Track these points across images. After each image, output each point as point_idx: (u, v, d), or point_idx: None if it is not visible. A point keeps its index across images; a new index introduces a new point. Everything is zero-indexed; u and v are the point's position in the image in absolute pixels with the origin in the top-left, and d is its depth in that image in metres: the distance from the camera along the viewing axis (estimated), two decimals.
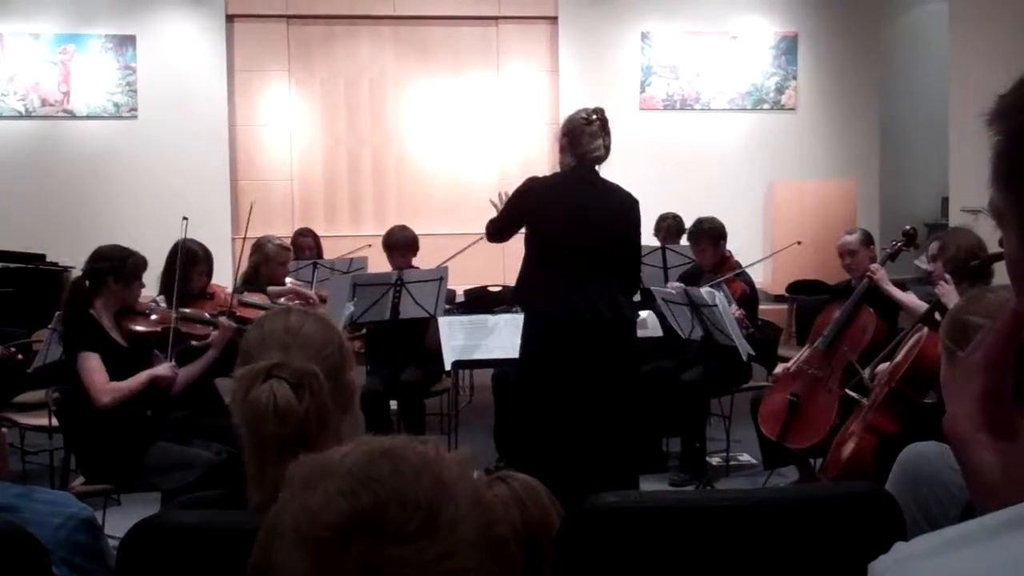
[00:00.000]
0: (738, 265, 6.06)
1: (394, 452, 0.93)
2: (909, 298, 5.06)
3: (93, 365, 4.25)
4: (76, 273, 4.97)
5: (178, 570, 1.69)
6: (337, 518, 0.86)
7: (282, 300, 5.52)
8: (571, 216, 4.14)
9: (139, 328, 4.51)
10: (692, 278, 6.07)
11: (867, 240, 5.43)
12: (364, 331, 6.10)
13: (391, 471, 0.90)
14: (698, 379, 5.62)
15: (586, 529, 1.62)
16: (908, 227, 5.30)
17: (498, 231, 4.50)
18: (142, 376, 4.35)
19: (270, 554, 0.89)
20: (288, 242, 6.23)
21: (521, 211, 4.32)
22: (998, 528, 0.71)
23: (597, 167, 4.26)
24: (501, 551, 0.92)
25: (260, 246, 6.01)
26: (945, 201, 10.22)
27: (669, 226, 7.10)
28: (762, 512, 1.65)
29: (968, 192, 8.49)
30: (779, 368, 5.29)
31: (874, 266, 5.13)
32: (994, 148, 0.80)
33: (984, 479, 0.83)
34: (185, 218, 4.90)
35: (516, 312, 5.00)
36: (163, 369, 4.41)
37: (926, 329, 4.14)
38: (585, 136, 4.19)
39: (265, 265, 5.90)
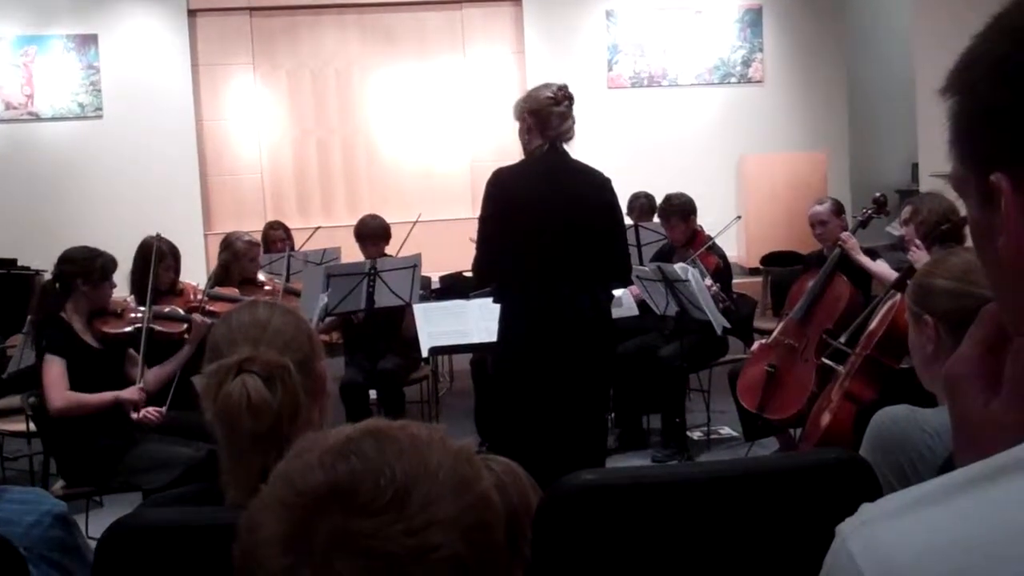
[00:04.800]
0: (709, 239, 6.08)
1: (384, 431, 0.95)
2: (880, 267, 5.08)
3: (54, 370, 4.22)
4: (48, 277, 4.94)
5: (156, 568, 1.69)
6: (311, 486, 0.90)
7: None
8: (544, 204, 3.98)
9: (111, 330, 4.48)
10: (665, 255, 6.08)
11: (838, 209, 5.46)
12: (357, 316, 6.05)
13: (373, 447, 0.92)
14: (675, 355, 5.64)
15: (564, 507, 1.62)
16: (878, 194, 5.32)
17: (481, 259, 4.09)
18: (107, 396, 4.30)
19: (254, 517, 0.92)
20: (257, 237, 6.16)
21: (495, 208, 4.03)
22: (965, 484, 0.71)
23: (566, 146, 4.13)
24: (480, 536, 0.93)
25: (229, 244, 5.96)
26: (915, 167, 10.28)
27: (642, 205, 7.09)
28: (736, 483, 1.66)
29: (937, 157, 8.53)
30: (757, 344, 5.31)
31: (844, 235, 5.16)
32: (948, 112, 0.80)
33: (971, 424, 0.84)
34: (157, 234, 4.94)
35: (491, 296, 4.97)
36: (130, 392, 4.37)
37: (899, 295, 4.16)
38: (554, 117, 3.99)
39: (235, 262, 5.85)
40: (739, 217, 8.05)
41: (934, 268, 1.96)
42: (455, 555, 0.89)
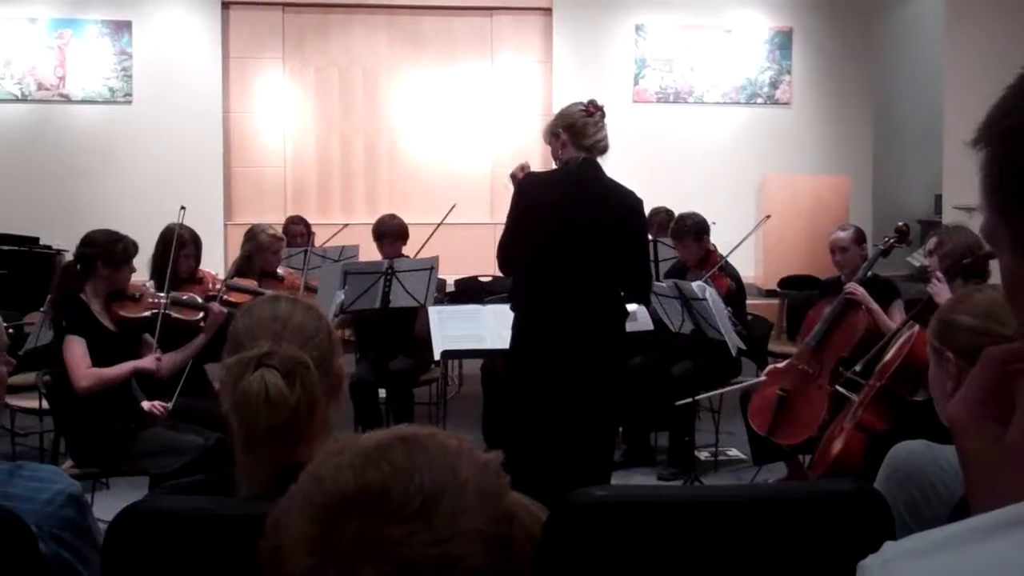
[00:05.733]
0: (722, 258, 6.04)
1: (416, 439, 0.96)
2: (882, 317, 5.03)
3: (77, 349, 4.24)
4: (69, 257, 4.97)
5: (165, 555, 1.69)
6: (341, 489, 0.91)
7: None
8: (569, 214, 4.00)
9: (128, 314, 4.50)
10: (678, 272, 6.06)
11: (859, 238, 5.44)
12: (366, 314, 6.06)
13: (404, 455, 0.93)
14: (687, 373, 5.62)
15: (572, 523, 1.62)
16: (901, 223, 5.30)
17: (505, 245, 4.15)
18: (126, 366, 4.34)
19: (283, 515, 0.93)
20: (280, 231, 6.19)
21: (521, 211, 4.08)
22: (988, 530, 0.71)
23: (600, 160, 4.12)
24: (503, 550, 0.93)
25: (253, 235, 5.99)
26: (938, 198, 10.24)
27: (661, 220, 7.08)
28: (750, 509, 1.66)
29: (961, 189, 8.50)
30: (770, 367, 5.29)
31: (852, 286, 5.08)
32: (980, 163, 0.80)
33: (979, 467, 0.84)
34: (183, 207, 4.93)
35: (506, 302, 4.96)
36: (147, 361, 4.41)
37: (917, 326, 4.14)
38: (590, 127, 4.02)
39: (258, 254, 5.88)
40: (768, 216, 8.06)
41: (958, 304, 1.95)
42: (478, 567, 0.89)
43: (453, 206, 7.55)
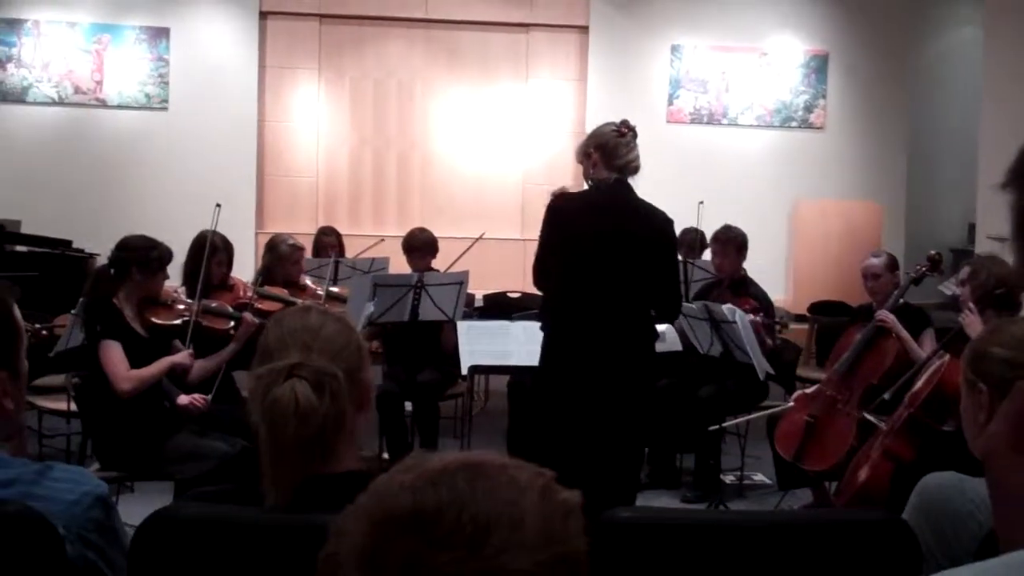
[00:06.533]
0: (752, 282, 5.97)
1: (483, 467, 0.95)
2: (913, 345, 4.99)
3: (114, 353, 4.27)
4: (101, 260, 5.00)
5: (191, 561, 1.70)
6: (396, 508, 0.91)
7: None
8: (600, 235, 4.00)
9: (160, 320, 4.52)
10: (706, 293, 6.02)
11: (892, 265, 5.40)
12: (388, 329, 6.07)
13: (465, 481, 0.92)
14: (715, 396, 5.60)
15: (596, 543, 1.61)
16: (933, 252, 5.26)
17: (539, 260, 4.19)
18: (163, 363, 4.37)
19: (344, 523, 0.94)
20: (301, 240, 6.15)
21: (552, 231, 4.10)
22: (1018, 567, 0.71)
23: (631, 180, 4.12)
24: None
25: (273, 246, 5.96)
26: (972, 227, 10.16)
27: (691, 240, 7.05)
28: (776, 534, 1.65)
29: (996, 219, 8.42)
30: (798, 392, 5.26)
31: (883, 313, 5.05)
32: (1010, 205, 0.80)
33: (1011, 501, 0.84)
34: (218, 204, 4.96)
35: (534, 319, 4.96)
36: (182, 356, 4.45)
37: (948, 356, 4.11)
38: (621, 147, 4.02)
39: (278, 265, 5.83)
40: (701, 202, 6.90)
41: (992, 336, 1.93)
42: None
43: (482, 234, 7.56)
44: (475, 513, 0.89)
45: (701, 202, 6.25)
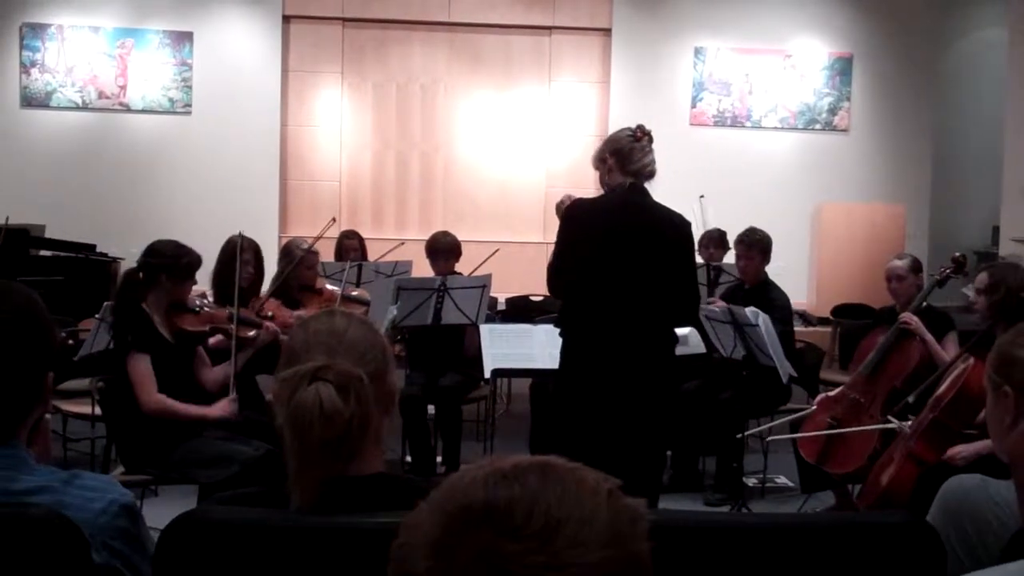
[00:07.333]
0: (774, 286, 5.96)
1: (555, 469, 0.99)
2: (937, 348, 4.97)
3: (143, 368, 4.24)
4: (125, 264, 5.02)
5: (216, 564, 1.71)
6: (470, 501, 0.95)
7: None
8: (616, 239, 4.01)
9: (190, 327, 4.51)
10: (730, 296, 6.01)
11: (916, 267, 5.37)
12: (405, 336, 6.09)
13: (538, 479, 0.96)
14: (737, 399, 5.58)
15: None
16: (958, 254, 5.23)
17: (554, 268, 4.23)
18: (193, 411, 4.32)
19: (417, 515, 0.97)
20: (315, 244, 6.13)
21: (568, 237, 4.13)
22: None
23: (647, 185, 4.12)
24: None
25: (288, 251, 5.95)
26: (996, 229, 10.11)
27: (713, 238, 7.02)
28: (800, 537, 1.64)
29: (1020, 221, 8.39)
30: (821, 395, 5.23)
31: (907, 315, 5.02)
32: None
33: None
34: (241, 233, 5.00)
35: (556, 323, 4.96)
36: (220, 409, 4.38)
37: (972, 359, 4.09)
38: (636, 152, 4.02)
39: (294, 270, 5.82)
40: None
41: (1019, 338, 1.92)
42: None
43: (496, 250, 7.58)
44: (546, 508, 0.93)
45: (702, 196, 6.19)
